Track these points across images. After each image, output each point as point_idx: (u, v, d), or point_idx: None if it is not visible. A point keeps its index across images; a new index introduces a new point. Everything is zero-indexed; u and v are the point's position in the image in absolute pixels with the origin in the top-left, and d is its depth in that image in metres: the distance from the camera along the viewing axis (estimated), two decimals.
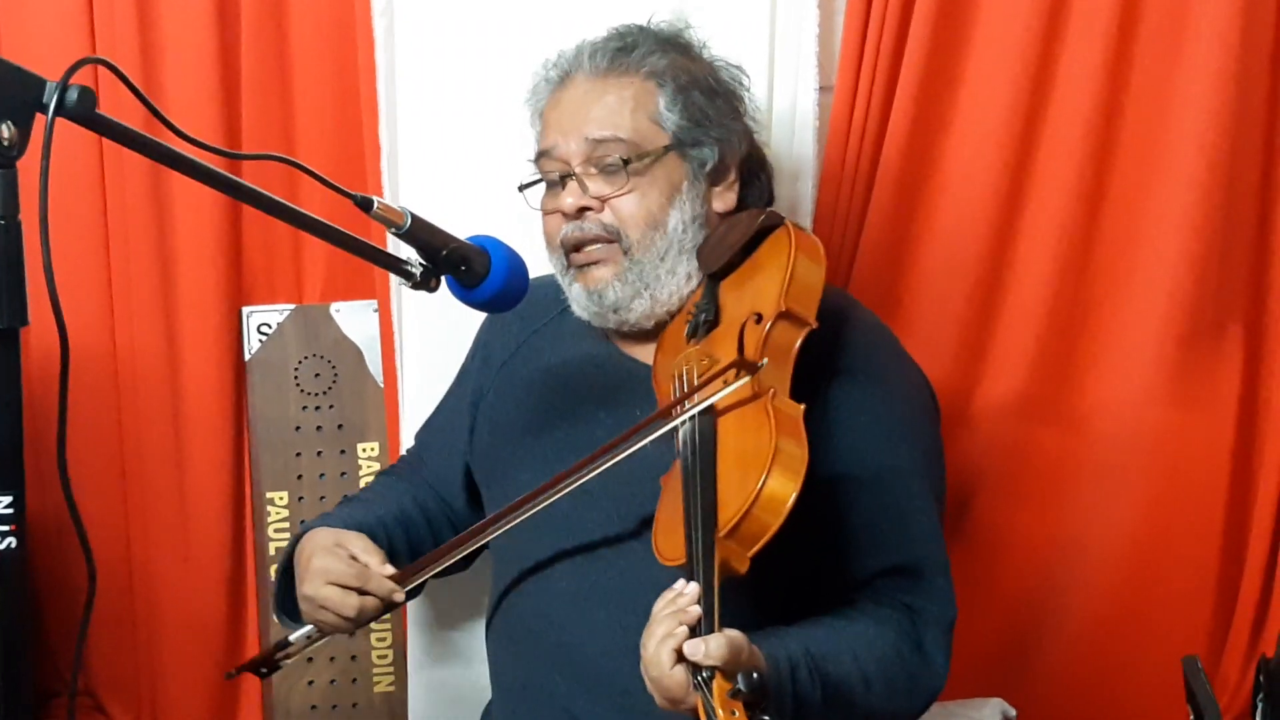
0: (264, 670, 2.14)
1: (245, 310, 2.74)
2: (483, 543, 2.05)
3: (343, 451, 2.76)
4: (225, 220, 2.69)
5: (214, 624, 2.77)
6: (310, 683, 2.75)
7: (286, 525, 2.74)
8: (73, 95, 1.37)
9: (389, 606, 2.04)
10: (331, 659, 2.75)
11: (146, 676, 2.81)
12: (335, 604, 2.00)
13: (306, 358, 2.76)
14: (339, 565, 2.01)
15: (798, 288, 1.95)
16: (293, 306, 2.76)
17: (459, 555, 2.03)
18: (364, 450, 2.76)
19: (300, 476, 2.75)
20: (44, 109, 1.36)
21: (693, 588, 1.69)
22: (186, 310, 2.70)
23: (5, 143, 1.33)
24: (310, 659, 2.72)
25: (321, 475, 2.76)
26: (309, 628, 2.08)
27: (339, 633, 2.06)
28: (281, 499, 2.75)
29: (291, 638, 2.09)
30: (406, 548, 2.22)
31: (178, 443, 2.73)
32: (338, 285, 2.77)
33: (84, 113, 1.38)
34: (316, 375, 2.76)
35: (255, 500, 2.76)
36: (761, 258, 2.07)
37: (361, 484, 2.75)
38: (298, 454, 2.76)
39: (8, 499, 1.38)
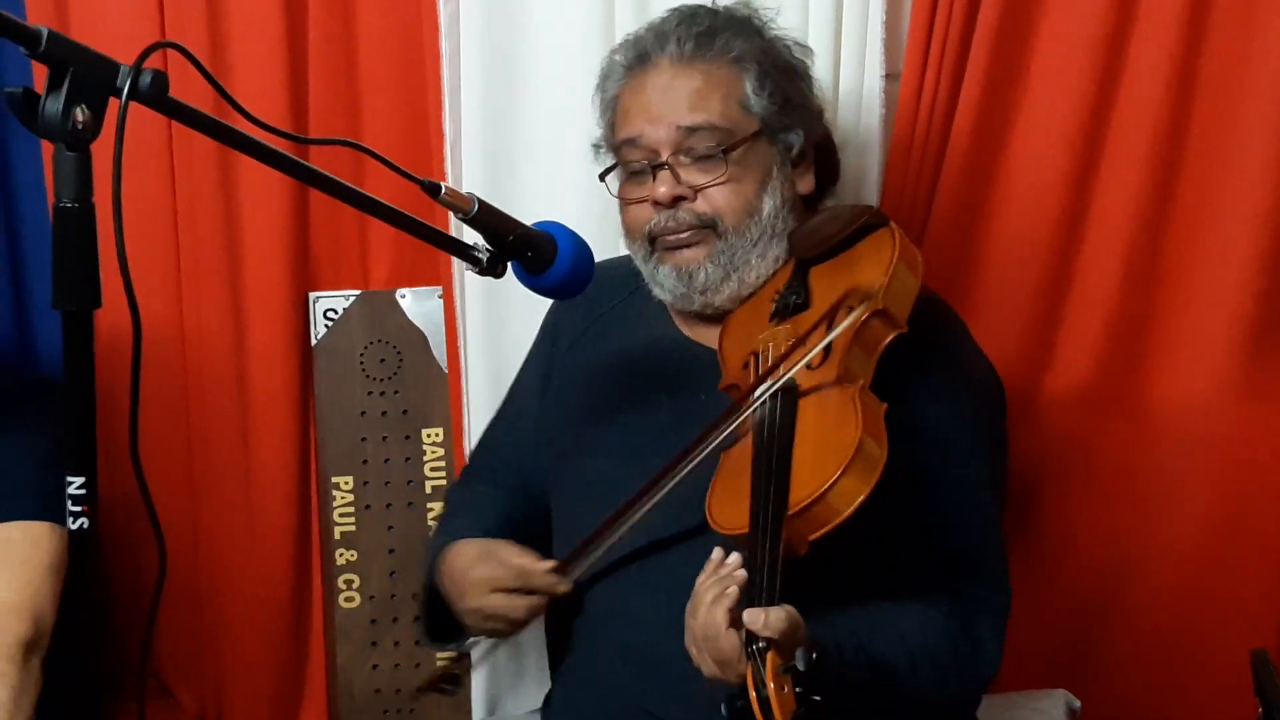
0: (446, 687, 2.16)
1: (312, 296, 2.75)
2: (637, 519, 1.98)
3: (407, 437, 2.77)
4: (292, 206, 2.69)
5: (279, 608, 2.78)
6: (375, 666, 2.77)
7: (352, 510, 2.76)
8: (146, 79, 1.36)
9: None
10: (396, 644, 2.77)
11: (212, 659, 2.83)
12: (504, 609, 2.03)
13: (372, 343, 2.77)
14: (499, 571, 2.04)
15: (896, 290, 1.95)
16: (358, 292, 2.77)
17: (616, 535, 1.99)
18: (429, 436, 2.77)
19: (365, 462, 2.77)
20: (117, 93, 1.36)
21: (734, 558, 1.71)
22: (253, 295, 2.71)
23: (79, 126, 1.33)
24: (374, 642, 2.75)
25: (386, 460, 2.77)
26: (473, 638, 2.10)
27: (506, 637, 2.09)
28: (347, 484, 2.76)
29: (466, 644, 2.12)
30: None
31: (244, 427, 2.75)
32: (403, 271, 2.78)
33: (156, 96, 1.38)
34: (382, 361, 2.77)
35: (321, 485, 2.77)
36: (861, 253, 2.06)
37: (426, 470, 2.76)
38: (363, 439, 2.77)
39: (80, 480, 1.39)
